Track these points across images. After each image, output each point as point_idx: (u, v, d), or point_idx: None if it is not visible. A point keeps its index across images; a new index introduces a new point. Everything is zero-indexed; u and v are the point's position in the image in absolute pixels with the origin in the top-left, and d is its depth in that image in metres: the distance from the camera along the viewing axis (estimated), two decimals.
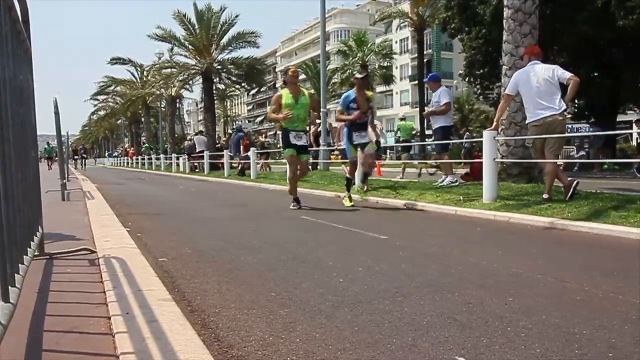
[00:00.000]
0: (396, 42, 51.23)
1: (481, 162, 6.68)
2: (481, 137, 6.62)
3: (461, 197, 6.72)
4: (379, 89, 45.00)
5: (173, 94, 33.19)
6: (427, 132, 31.37)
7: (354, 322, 2.17)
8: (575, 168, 16.91)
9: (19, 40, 2.21)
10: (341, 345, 1.90)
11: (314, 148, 13.97)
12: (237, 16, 25.37)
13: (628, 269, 3.12)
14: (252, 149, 15.96)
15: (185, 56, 26.27)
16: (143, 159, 33.71)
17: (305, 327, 2.10)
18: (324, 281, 2.86)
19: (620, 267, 3.16)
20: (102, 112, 56.33)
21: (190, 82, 28.61)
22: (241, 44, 25.30)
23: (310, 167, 9.20)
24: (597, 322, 2.13)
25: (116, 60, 35.71)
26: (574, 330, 2.03)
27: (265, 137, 25.16)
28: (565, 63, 18.52)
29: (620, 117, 22.68)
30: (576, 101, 22.70)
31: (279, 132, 9.52)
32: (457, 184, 8.53)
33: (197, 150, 21.39)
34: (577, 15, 15.68)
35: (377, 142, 8.33)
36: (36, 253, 2.86)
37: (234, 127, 21.30)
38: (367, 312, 2.29)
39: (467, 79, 21.82)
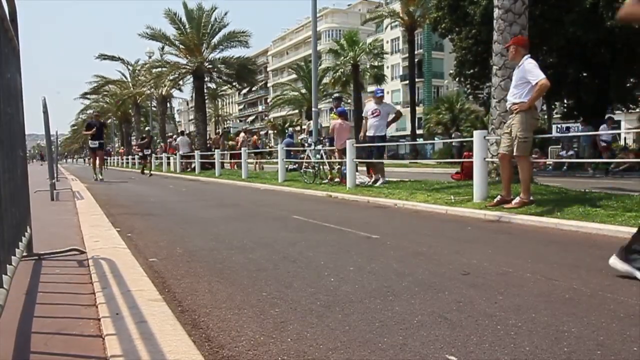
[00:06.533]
0: (387, 42, 51.37)
1: (472, 162, 6.72)
2: (471, 136, 6.66)
3: (452, 197, 6.76)
4: (371, 88, 45.05)
5: (164, 93, 32.96)
6: (418, 131, 31.51)
7: (345, 321, 2.17)
8: (564, 167, 17.07)
9: (6, 38, 2.18)
10: (332, 345, 1.90)
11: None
12: (226, 13, 25.33)
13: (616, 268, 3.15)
14: (243, 148, 15.94)
15: (176, 55, 26.12)
16: (133, 158, 33.23)
17: (296, 327, 2.10)
18: (315, 281, 2.86)
19: (608, 266, 3.19)
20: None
21: (181, 81, 28.44)
22: (232, 43, 25.20)
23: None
24: (585, 320, 2.15)
25: (105, 57, 35.37)
26: (562, 328, 2.05)
27: (259, 137, 25.12)
28: (554, 63, 18.71)
29: None
30: (565, 101, 22.92)
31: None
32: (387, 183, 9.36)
33: (180, 152, 21.23)
34: (565, 16, 15.84)
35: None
36: (24, 254, 2.82)
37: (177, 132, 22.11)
38: (358, 312, 2.29)
39: (457, 79, 21.94)
